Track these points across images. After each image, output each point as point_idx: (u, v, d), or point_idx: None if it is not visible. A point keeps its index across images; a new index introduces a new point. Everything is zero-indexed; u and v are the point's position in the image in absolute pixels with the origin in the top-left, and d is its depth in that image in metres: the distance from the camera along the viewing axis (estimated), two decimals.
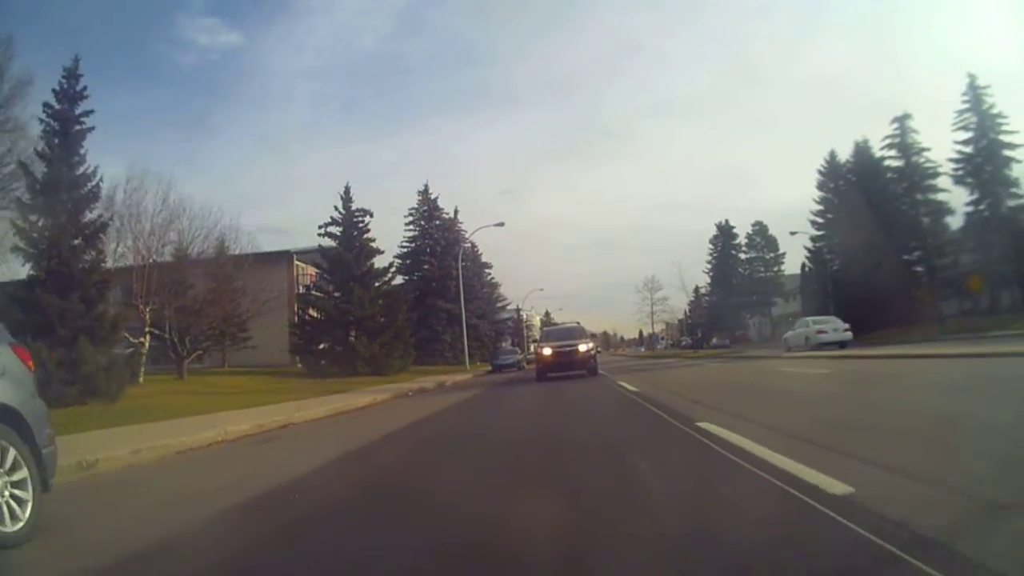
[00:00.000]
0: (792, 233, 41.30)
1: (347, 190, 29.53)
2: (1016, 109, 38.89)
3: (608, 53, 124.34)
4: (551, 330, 22.69)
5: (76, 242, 15.27)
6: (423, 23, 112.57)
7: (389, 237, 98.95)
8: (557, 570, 2.28)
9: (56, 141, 15.31)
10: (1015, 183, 32.59)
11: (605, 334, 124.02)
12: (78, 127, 15.75)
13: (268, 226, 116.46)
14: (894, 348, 18.10)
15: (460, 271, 37.43)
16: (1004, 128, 32.87)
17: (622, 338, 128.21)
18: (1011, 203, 32.43)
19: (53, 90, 15.65)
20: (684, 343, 69.63)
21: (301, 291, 33.34)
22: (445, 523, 3.04)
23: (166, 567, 2.79)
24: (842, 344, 23.12)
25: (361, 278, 27.77)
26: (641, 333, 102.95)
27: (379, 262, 30.19)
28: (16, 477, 3.37)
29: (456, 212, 48.44)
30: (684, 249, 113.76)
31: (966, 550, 1.96)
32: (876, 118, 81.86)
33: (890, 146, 37.15)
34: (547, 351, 17.71)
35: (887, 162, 37.54)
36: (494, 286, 57.93)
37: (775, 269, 59.45)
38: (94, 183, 15.86)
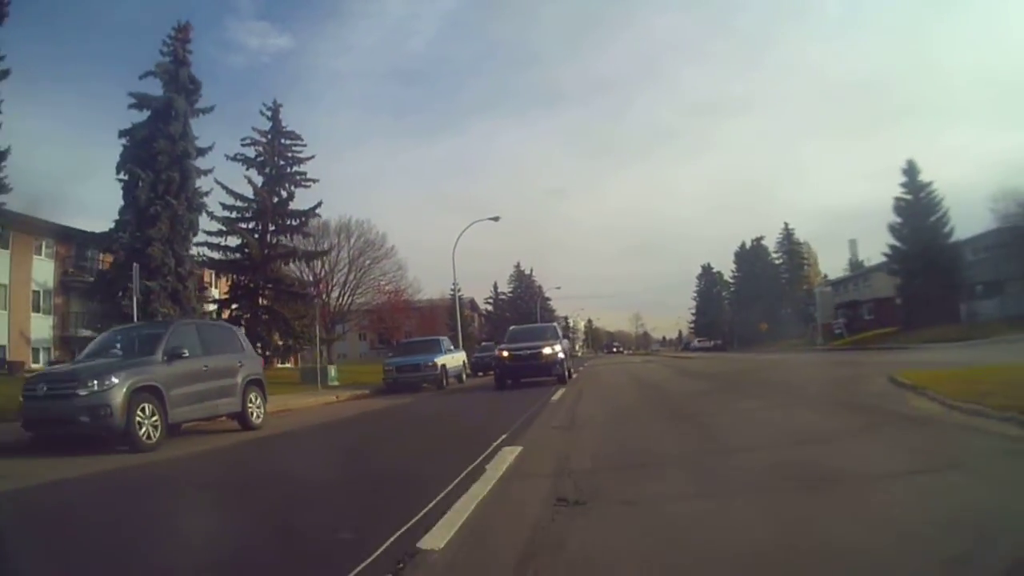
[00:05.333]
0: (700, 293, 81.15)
1: (496, 286, 71.39)
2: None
3: (650, 54, 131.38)
4: (518, 329, 20.22)
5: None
6: (468, 26, 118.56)
7: (441, 234, 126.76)
8: None
9: None
10: (806, 279, 71.71)
11: (646, 334, 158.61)
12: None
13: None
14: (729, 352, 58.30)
15: (539, 310, 78.83)
16: (799, 248, 72.02)
17: (664, 338, 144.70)
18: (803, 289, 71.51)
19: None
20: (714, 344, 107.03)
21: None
22: None
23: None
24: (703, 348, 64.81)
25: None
26: (680, 334, 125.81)
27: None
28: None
29: (531, 271, 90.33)
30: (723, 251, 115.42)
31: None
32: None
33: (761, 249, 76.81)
34: (504, 353, 16.39)
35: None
36: (551, 310, 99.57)
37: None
38: None
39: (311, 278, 34.21)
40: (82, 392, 7.41)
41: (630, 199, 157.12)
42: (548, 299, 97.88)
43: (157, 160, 20.58)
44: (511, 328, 20.84)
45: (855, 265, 72.23)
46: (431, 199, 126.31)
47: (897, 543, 2.58)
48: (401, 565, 2.70)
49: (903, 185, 51.36)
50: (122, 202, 21.47)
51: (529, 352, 16.10)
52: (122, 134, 21.88)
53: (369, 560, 2.76)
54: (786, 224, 72.94)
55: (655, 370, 22.43)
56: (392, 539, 3.04)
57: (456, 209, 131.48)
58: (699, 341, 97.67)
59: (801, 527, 2.90)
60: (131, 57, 78.07)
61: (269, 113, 29.46)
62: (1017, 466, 3.87)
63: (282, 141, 29.39)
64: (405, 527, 3.23)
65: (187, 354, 8.62)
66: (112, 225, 21.81)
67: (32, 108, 62.52)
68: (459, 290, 68.80)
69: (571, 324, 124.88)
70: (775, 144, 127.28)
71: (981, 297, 48.80)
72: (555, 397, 11.68)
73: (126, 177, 21.42)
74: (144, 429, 7.69)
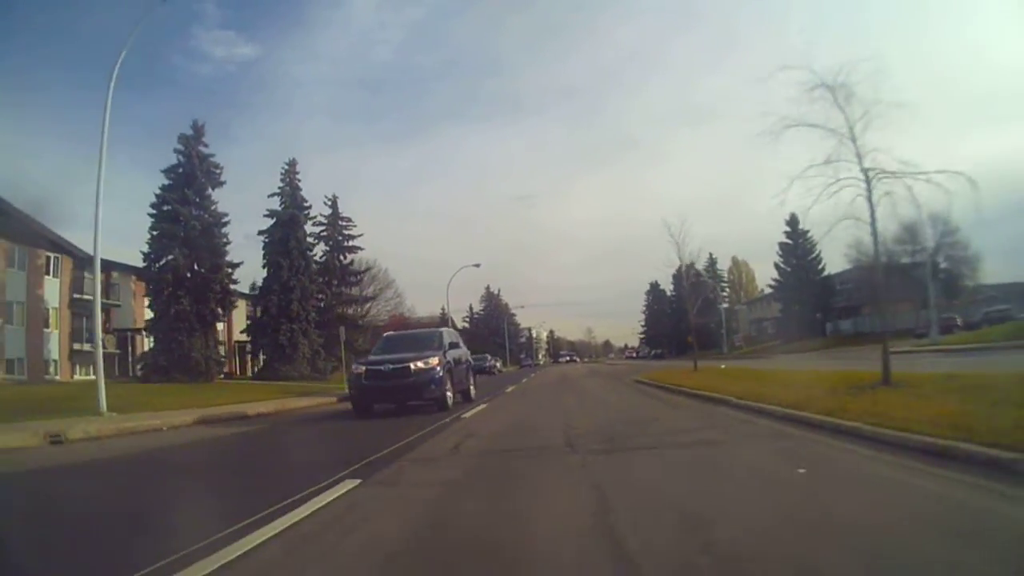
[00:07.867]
0: (648, 307, 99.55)
1: (472, 307, 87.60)
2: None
3: (613, 62, 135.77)
4: (393, 336, 16.42)
5: None
6: (435, 35, 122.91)
7: (412, 242, 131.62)
8: None
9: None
10: (729, 297, 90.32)
11: (607, 343, 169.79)
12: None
13: None
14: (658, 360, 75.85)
15: (507, 329, 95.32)
16: (722, 273, 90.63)
17: (626, 345, 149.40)
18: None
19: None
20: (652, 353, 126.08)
21: None
22: None
23: None
24: (631, 357, 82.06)
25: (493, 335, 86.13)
26: (641, 341, 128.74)
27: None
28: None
29: (499, 291, 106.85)
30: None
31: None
32: None
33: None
34: (360, 369, 12.89)
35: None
36: (517, 324, 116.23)
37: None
38: None
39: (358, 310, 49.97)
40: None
41: (596, 206, 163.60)
42: (514, 314, 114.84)
43: (291, 253, 36.49)
44: (384, 335, 17.42)
45: None
46: (398, 205, 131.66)
47: (589, 384, 19.63)
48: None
49: (786, 232, 70.28)
50: (265, 273, 37.49)
51: (392, 367, 12.49)
52: (260, 232, 37.87)
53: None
54: (711, 254, 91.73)
55: (579, 370, 39.44)
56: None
57: (427, 215, 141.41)
58: (628, 354, 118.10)
59: (566, 388, 20.21)
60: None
61: (330, 203, 45.44)
62: (631, 390, 20.59)
63: (339, 222, 45.32)
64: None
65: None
66: (257, 291, 37.91)
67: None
68: (449, 315, 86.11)
69: (535, 335, 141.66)
70: (741, 152, 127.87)
71: (842, 318, 67.95)
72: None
73: (265, 260, 37.43)
74: None
